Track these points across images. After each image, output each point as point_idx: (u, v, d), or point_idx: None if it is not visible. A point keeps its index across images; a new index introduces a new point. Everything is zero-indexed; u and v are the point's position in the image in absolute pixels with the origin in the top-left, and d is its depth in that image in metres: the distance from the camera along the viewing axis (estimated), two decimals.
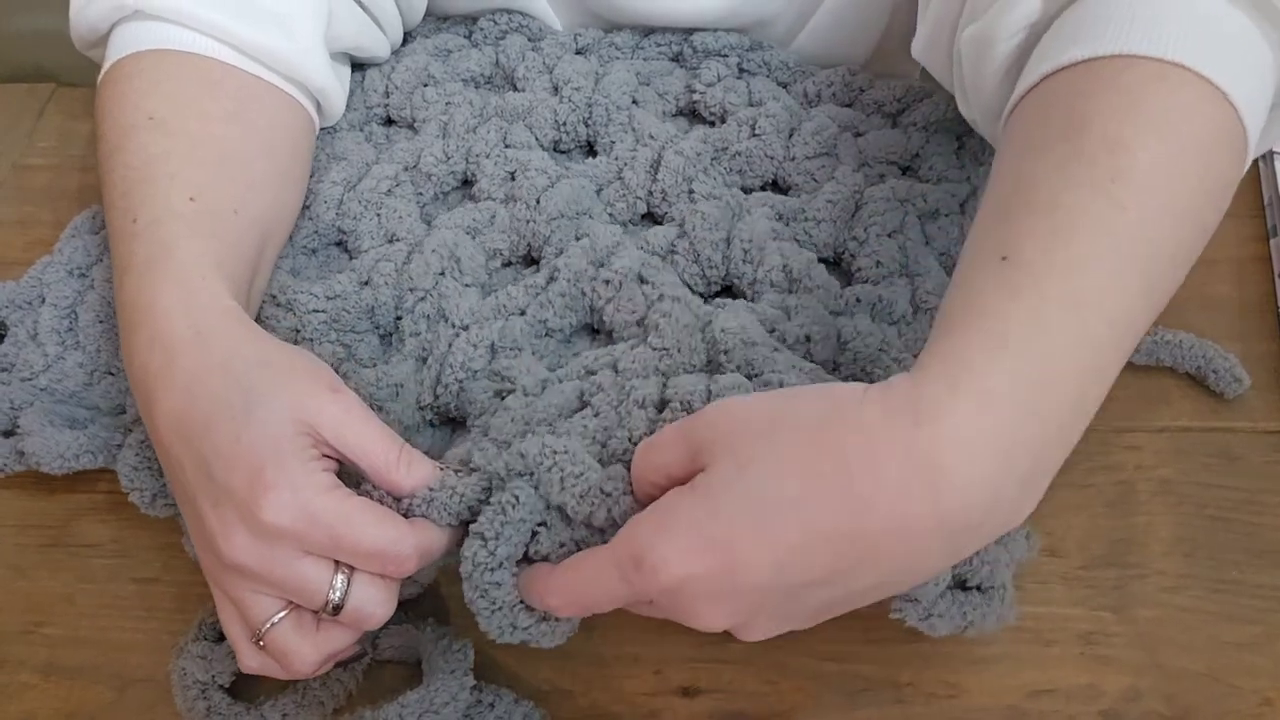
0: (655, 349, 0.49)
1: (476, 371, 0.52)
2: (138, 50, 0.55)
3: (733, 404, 0.39)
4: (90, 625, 0.51)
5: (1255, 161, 0.67)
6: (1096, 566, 0.51)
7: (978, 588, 0.47)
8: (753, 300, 0.55)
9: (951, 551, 0.37)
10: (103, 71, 0.57)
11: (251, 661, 0.45)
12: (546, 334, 0.55)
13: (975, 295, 0.37)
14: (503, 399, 0.51)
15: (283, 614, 0.43)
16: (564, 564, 0.42)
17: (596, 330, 0.56)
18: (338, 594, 0.43)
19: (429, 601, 0.50)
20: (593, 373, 0.50)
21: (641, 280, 0.54)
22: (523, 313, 0.55)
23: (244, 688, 0.49)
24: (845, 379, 0.50)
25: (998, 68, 0.47)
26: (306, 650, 0.44)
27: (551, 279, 0.55)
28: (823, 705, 0.48)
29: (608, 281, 0.54)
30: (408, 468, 0.44)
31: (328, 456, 0.44)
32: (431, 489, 0.44)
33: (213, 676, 0.48)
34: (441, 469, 0.45)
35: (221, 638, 0.49)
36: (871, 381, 0.38)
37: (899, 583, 0.40)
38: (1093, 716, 0.47)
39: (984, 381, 0.35)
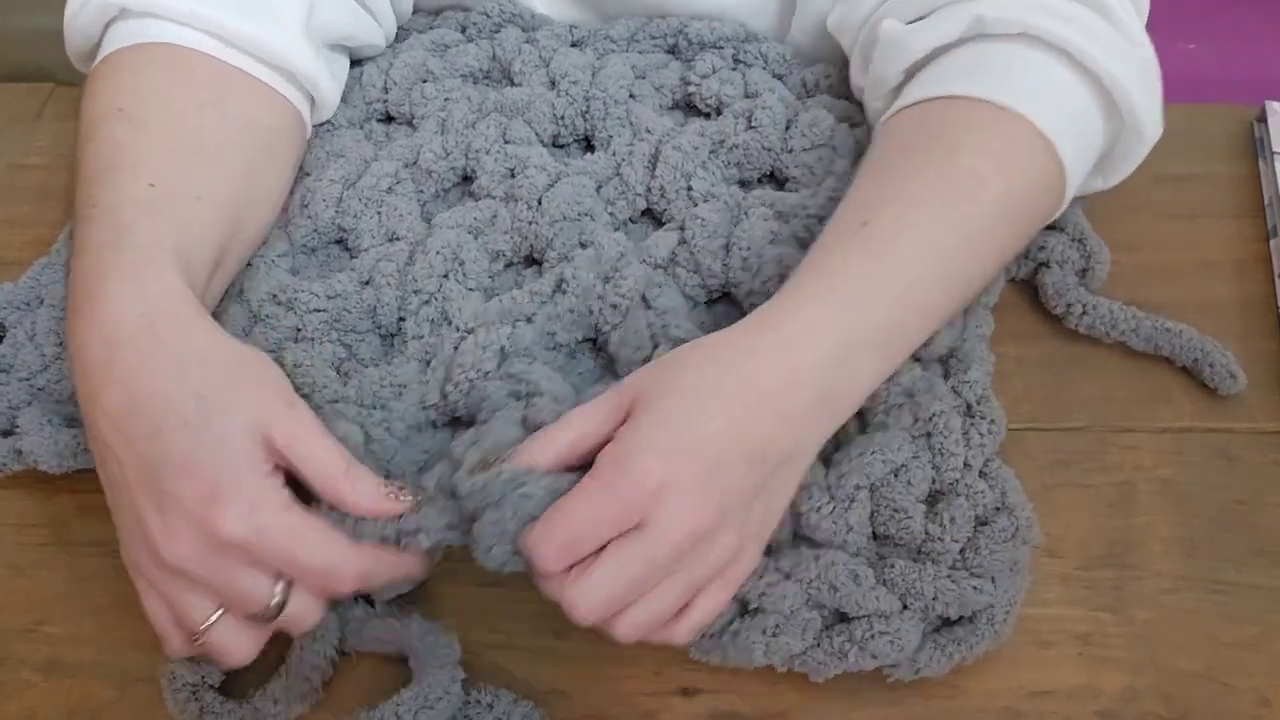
0: None
1: (488, 373, 0.52)
2: (123, 46, 0.55)
3: (646, 366, 0.46)
4: (91, 624, 0.51)
5: (1255, 162, 0.67)
6: (1095, 567, 0.51)
7: (958, 621, 0.48)
8: (749, 311, 0.55)
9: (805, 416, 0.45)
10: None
11: (180, 650, 0.45)
12: (554, 347, 0.55)
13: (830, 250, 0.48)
14: (520, 400, 0.51)
15: (219, 614, 0.44)
16: (544, 517, 0.42)
17: (598, 346, 0.56)
18: (275, 601, 0.43)
19: (410, 599, 0.50)
20: None
21: (646, 304, 0.54)
22: (529, 320, 0.55)
23: (235, 685, 0.49)
24: None
25: (903, 69, 0.56)
26: (244, 643, 0.45)
27: (559, 289, 0.55)
28: (820, 706, 0.48)
29: (615, 306, 0.54)
30: (354, 484, 0.44)
31: (279, 468, 0.44)
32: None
33: (203, 677, 0.48)
34: (385, 485, 0.45)
35: None
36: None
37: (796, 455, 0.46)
38: (1090, 717, 0.47)
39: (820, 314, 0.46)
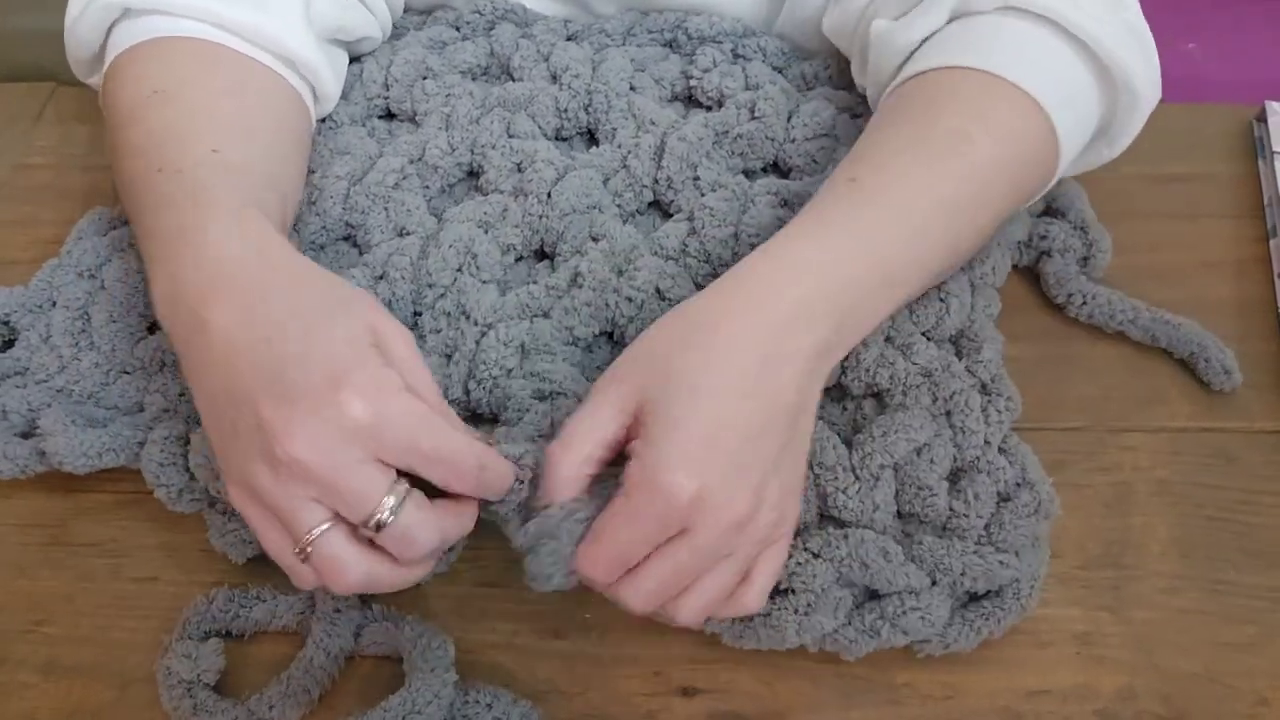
0: None
1: (510, 370, 0.53)
2: (135, 43, 0.56)
3: (635, 348, 0.46)
4: (91, 624, 0.51)
5: (1255, 162, 0.67)
6: (1093, 567, 0.52)
7: (985, 595, 0.49)
8: None
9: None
10: (103, 73, 0.57)
11: (303, 575, 0.43)
12: (572, 341, 0.55)
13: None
14: (543, 400, 0.51)
15: (328, 524, 0.42)
16: (590, 538, 0.43)
17: (614, 339, 0.56)
18: (386, 512, 0.41)
19: (409, 598, 0.50)
20: None
21: (660, 296, 0.55)
22: (546, 314, 0.55)
23: (230, 686, 0.49)
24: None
25: (896, 64, 0.57)
26: (352, 559, 0.42)
27: (574, 283, 0.56)
28: (819, 706, 0.48)
29: (630, 299, 0.55)
30: (446, 415, 0.44)
31: None
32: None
33: (198, 675, 0.48)
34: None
35: (206, 635, 0.49)
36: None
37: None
38: (1088, 717, 0.47)
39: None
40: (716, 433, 0.42)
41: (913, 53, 0.57)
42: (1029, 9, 0.53)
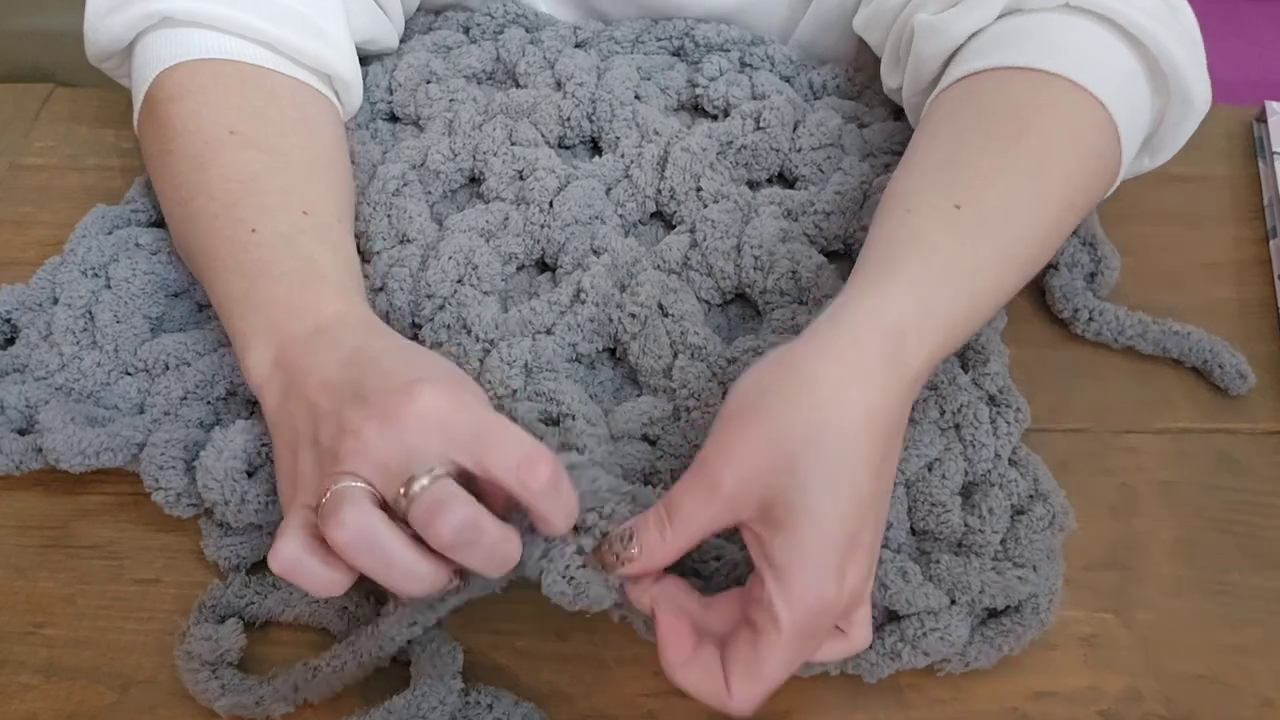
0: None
1: (516, 391, 0.52)
2: (186, 60, 0.55)
3: (749, 427, 0.41)
4: (91, 626, 0.51)
5: (1255, 162, 0.67)
6: (1097, 569, 0.51)
7: (1003, 611, 0.48)
8: (764, 310, 0.56)
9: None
10: (144, 82, 0.56)
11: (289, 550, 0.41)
12: (576, 358, 0.55)
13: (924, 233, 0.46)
14: (552, 424, 0.51)
15: (361, 483, 0.40)
16: (746, 689, 0.40)
17: (617, 356, 0.56)
18: (426, 479, 0.39)
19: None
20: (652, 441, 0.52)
21: (663, 312, 0.54)
22: (549, 331, 0.55)
23: (251, 664, 0.49)
24: None
25: (942, 57, 0.56)
26: (362, 517, 0.39)
27: (577, 299, 0.55)
28: (824, 707, 0.48)
29: (633, 315, 0.54)
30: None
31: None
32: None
33: (220, 655, 0.48)
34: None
35: (223, 618, 0.49)
36: None
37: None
38: (1093, 718, 0.47)
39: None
40: (863, 516, 0.40)
41: (959, 48, 0.55)
42: (1091, 8, 0.52)
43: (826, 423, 0.40)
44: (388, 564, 0.40)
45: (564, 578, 0.43)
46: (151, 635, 0.51)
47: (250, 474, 0.51)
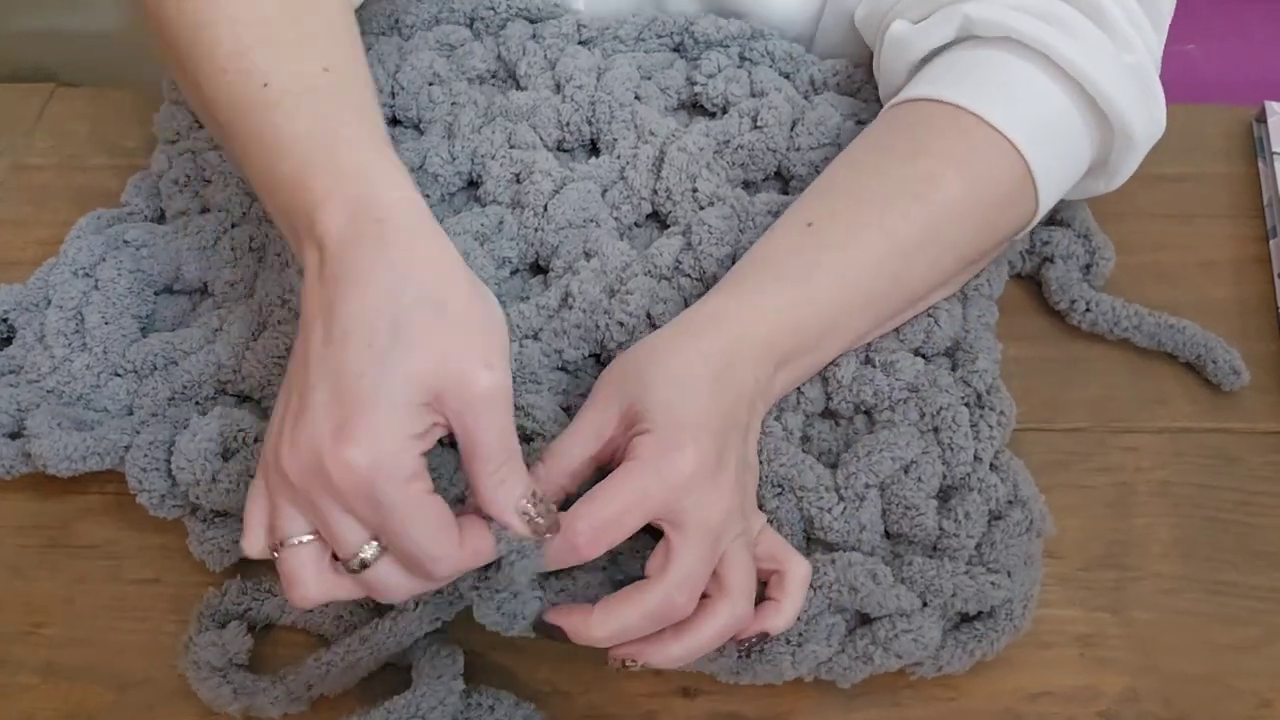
0: None
1: None
2: None
3: (602, 376, 0.47)
4: (89, 626, 0.51)
5: (1255, 162, 0.67)
6: (1094, 568, 0.51)
7: (977, 616, 0.48)
8: None
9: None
10: None
11: (253, 551, 0.43)
12: (561, 365, 0.55)
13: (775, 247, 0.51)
14: (525, 441, 0.49)
15: (309, 538, 0.41)
16: (586, 508, 0.42)
17: (602, 362, 0.56)
18: (361, 556, 0.41)
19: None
20: None
21: (651, 321, 0.54)
22: (536, 336, 0.55)
23: (260, 664, 0.49)
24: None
25: (905, 68, 0.59)
26: (311, 585, 0.42)
27: (564, 303, 0.55)
28: (821, 707, 0.48)
29: (621, 324, 0.54)
30: (497, 485, 0.41)
31: (439, 425, 0.41)
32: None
33: (229, 659, 0.48)
34: (529, 500, 0.42)
35: (225, 623, 0.49)
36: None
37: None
38: (1091, 718, 0.47)
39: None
40: (704, 422, 0.44)
41: (920, 63, 0.58)
42: (1029, 44, 0.53)
43: (665, 352, 0.46)
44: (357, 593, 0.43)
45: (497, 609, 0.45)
46: (150, 635, 0.51)
47: (225, 457, 0.51)
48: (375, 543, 0.41)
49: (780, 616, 0.45)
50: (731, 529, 0.44)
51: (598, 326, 0.54)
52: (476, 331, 0.41)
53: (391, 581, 0.42)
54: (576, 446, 0.45)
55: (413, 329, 0.40)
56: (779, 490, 0.50)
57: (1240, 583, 0.51)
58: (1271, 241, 0.63)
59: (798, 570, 0.46)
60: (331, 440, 0.39)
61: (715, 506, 0.43)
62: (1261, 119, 0.68)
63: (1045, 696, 0.48)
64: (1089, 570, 0.51)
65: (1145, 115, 0.54)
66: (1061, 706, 0.48)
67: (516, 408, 0.50)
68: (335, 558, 0.42)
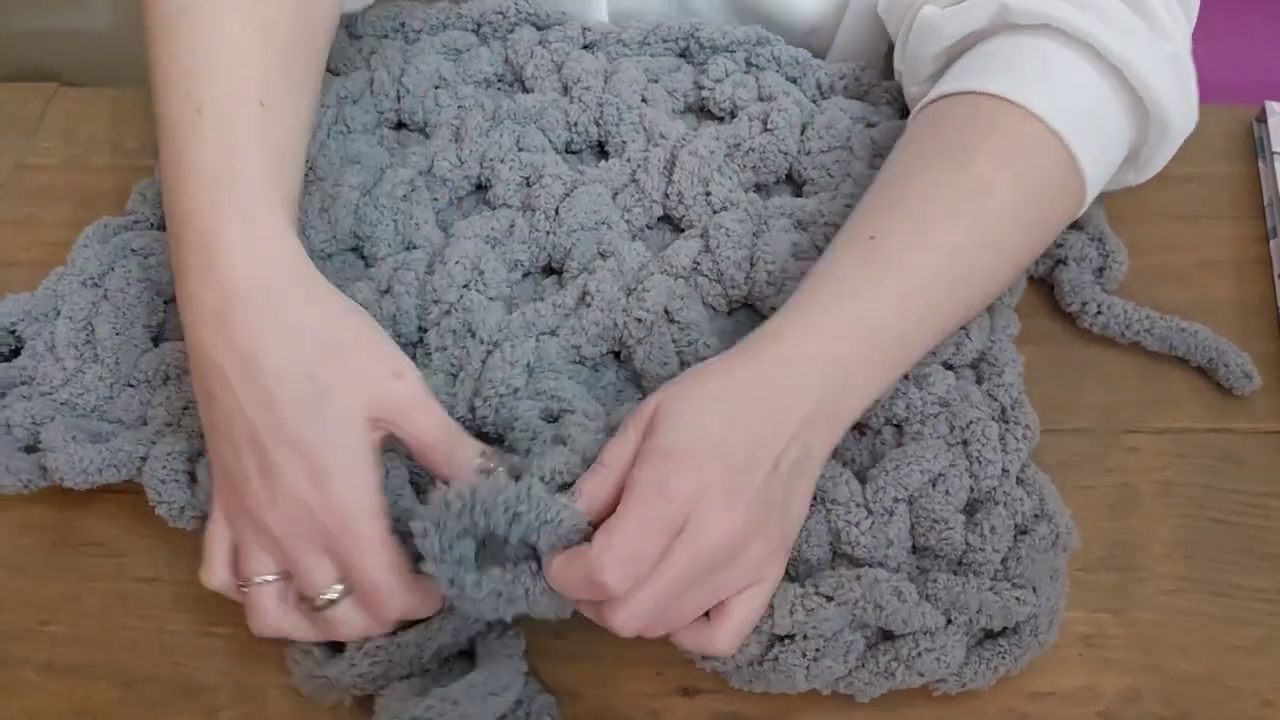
0: None
1: (517, 390, 0.52)
2: None
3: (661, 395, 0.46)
4: (94, 624, 0.51)
5: (1255, 162, 0.67)
6: (1097, 569, 0.52)
7: (1001, 632, 0.48)
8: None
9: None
10: None
11: (216, 581, 0.47)
12: (579, 360, 0.55)
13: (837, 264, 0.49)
14: (551, 421, 0.51)
15: (273, 578, 0.46)
16: (602, 543, 0.41)
17: (622, 359, 0.56)
18: (326, 597, 0.45)
19: None
20: None
21: (669, 318, 0.54)
22: (554, 333, 0.55)
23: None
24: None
25: (934, 54, 0.58)
26: (273, 617, 0.46)
27: (583, 302, 0.55)
28: (822, 707, 0.48)
29: (640, 320, 0.54)
30: (449, 457, 0.46)
31: (387, 437, 0.46)
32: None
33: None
34: (481, 456, 0.47)
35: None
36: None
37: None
38: (1092, 718, 0.48)
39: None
40: (725, 437, 0.43)
41: (953, 48, 0.57)
42: (1069, 31, 0.52)
43: (708, 371, 0.46)
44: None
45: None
46: (154, 633, 0.51)
47: None
48: (340, 585, 0.45)
49: (710, 641, 0.45)
50: (750, 552, 0.43)
51: (616, 324, 0.55)
52: (373, 350, 0.47)
53: (349, 619, 0.45)
54: (608, 477, 0.44)
55: (327, 371, 0.44)
56: (811, 501, 0.49)
57: (1243, 584, 0.51)
58: (1272, 242, 0.63)
59: (744, 604, 0.45)
60: (312, 488, 0.43)
61: (731, 521, 0.42)
62: (1261, 119, 0.68)
63: (1047, 696, 0.48)
64: (1091, 571, 0.51)
65: (1184, 105, 0.54)
66: (1063, 707, 0.48)
67: (540, 393, 0.52)
68: (300, 596, 0.46)
